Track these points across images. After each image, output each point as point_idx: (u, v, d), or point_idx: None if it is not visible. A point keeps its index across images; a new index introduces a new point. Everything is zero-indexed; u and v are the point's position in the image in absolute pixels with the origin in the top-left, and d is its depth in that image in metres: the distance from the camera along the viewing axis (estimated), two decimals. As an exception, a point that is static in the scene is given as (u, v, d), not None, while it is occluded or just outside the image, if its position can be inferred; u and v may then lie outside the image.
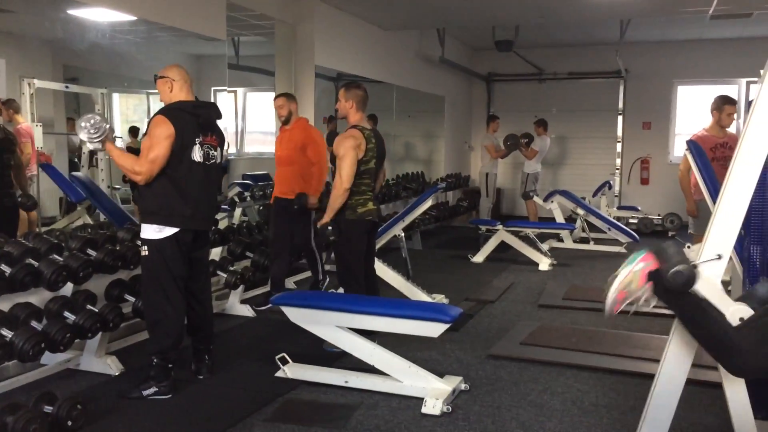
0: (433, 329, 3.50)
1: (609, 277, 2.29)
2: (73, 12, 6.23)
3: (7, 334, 3.24)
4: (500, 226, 7.55)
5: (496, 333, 4.74)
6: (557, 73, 11.64)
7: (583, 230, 8.82)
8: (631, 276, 2.24)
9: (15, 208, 4.87)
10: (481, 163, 10.24)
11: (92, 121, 3.30)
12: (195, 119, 3.48)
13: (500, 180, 10.79)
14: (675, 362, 2.48)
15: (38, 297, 3.62)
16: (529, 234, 7.62)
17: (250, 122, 9.96)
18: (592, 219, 8.56)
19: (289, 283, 5.96)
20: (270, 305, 5.14)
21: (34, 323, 3.39)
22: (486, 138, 10.06)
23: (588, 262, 7.65)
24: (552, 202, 9.10)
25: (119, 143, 9.87)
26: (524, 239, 7.53)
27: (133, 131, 7.41)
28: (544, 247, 7.71)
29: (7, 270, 3.29)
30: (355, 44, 7.99)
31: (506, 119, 10.94)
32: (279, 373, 3.76)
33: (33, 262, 3.43)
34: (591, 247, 8.50)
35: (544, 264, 7.24)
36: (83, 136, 3.30)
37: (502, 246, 7.57)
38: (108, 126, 3.34)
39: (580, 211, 8.77)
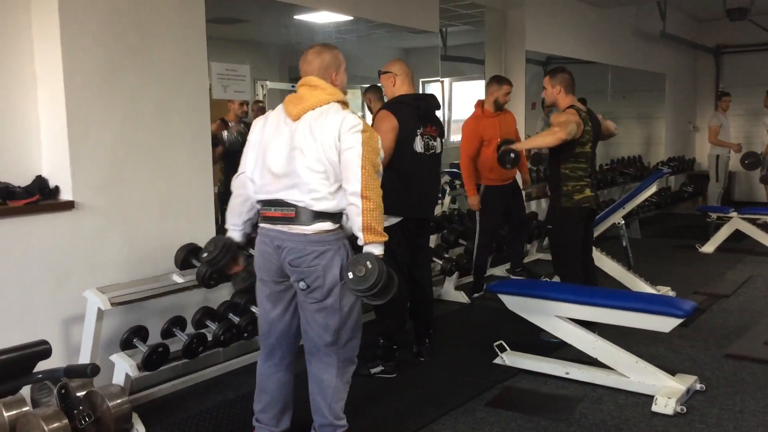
0: (664, 324, 3.28)
1: None
2: (299, 17, 6.75)
3: (256, 311, 3.62)
4: (734, 213, 6.84)
5: (734, 330, 4.32)
6: (802, 40, 10.20)
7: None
8: None
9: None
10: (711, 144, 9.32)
11: None
12: (416, 111, 3.61)
13: (733, 162, 9.75)
14: None
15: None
16: (770, 222, 6.81)
17: (456, 111, 10.08)
18: None
19: (501, 270, 5.95)
20: (481, 292, 5.21)
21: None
22: (712, 118, 9.14)
23: None
24: (797, 185, 8.05)
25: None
26: (764, 227, 6.74)
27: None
28: (789, 236, 6.85)
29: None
30: (566, 25, 7.69)
31: (738, 94, 9.84)
32: (497, 360, 3.78)
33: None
34: None
35: (789, 256, 6.44)
36: None
37: (736, 235, 6.87)
38: None
39: (834, 196, 7.64)
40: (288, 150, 2.53)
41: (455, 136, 10.37)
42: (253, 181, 2.63)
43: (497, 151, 4.50)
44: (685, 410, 3.11)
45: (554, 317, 3.60)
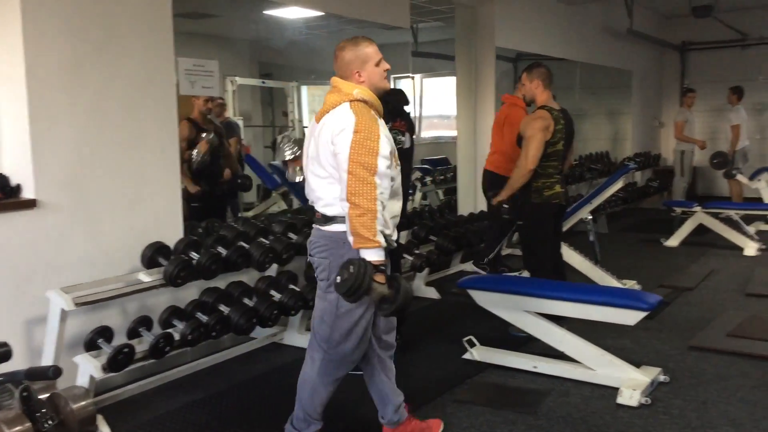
0: (629, 317, 3.33)
1: None
2: (269, 12, 6.70)
3: (225, 309, 3.60)
4: (698, 208, 6.97)
5: (697, 323, 4.41)
6: (764, 38, 10.42)
7: (798, 211, 7.89)
8: None
9: (225, 195, 5.39)
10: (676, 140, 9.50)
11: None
12: (384, 106, 3.60)
13: (697, 158, 9.94)
14: None
15: (248, 276, 3.99)
16: (732, 216, 6.94)
17: (427, 107, 10.10)
18: (810, 199, 7.62)
19: (471, 266, 5.99)
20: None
21: (246, 300, 3.74)
22: (678, 114, 9.31)
23: (805, 248, 6.84)
24: (759, 180, 8.24)
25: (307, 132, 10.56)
26: (726, 222, 6.89)
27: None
28: (751, 230, 7.00)
29: (224, 252, 3.65)
30: (536, 22, 7.76)
31: (703, 90, 10.04)
32: (466, 355, 3.80)
33: (244, 244, 3.78)
34: (808, 230, 7.59)
35: (751, 249, 6.59)
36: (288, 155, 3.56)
37: (700, 229, 7.00)
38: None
39: (794, 190, 7.84)
40: (308, 155, 2.59)
41: (426, 133, 10.41)
42: None
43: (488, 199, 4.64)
44: (649, 402, 3.17)
45: (523, 312, 3.64)
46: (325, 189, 2.51)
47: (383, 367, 2.82)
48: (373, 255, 2.37)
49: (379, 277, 2.37)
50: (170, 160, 3.76)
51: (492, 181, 5.25)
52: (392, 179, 2.53)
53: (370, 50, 2.57)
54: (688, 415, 3.07)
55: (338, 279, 2.35)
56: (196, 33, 8.05)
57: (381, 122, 2.55)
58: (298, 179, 5.97)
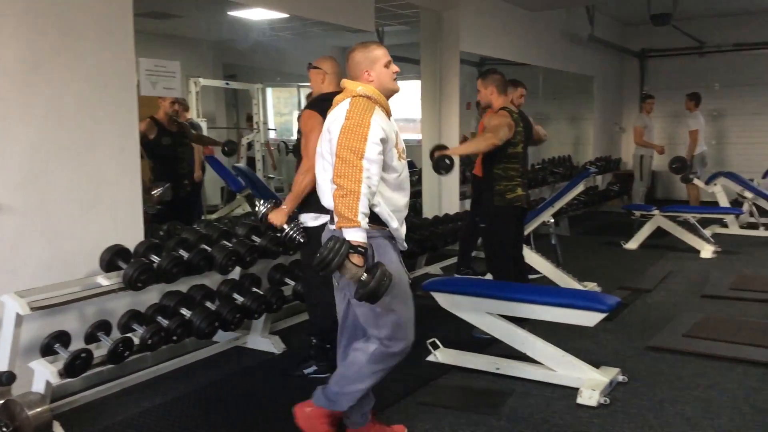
0: (589, 318, 3.39)
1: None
2: (233, 13, 6.65)
3: (186, 313, 3.56)
4: (656, 211, 7.13)
5: (655, 324, 4.50)
6: (721, 46, 10.70)
7: (752, 215, 8.12)
8: None
9: (188, 198, 5.34)
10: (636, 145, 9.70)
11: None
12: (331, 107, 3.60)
13: (656, 162, 10.16)
14: None
15: (210, 280, 3.95)
16: (689, 219, 7.12)
17: (392, 110, 10.13)
18: (762, 202, 7.86)
19: (436, 269, 6.02)
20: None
21: (208, 304, 3.70)
22: (637, 119, 9.51)
23: (758, 250, 7.04)
24: (715, 185, 8.46)
25: (272, 135, 10.48)
26: (683, 225, 7.06)
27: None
28: (707, 233, 7.19)
29: (185, 255, 3.60)
30: (500, 28, 7.85)
31: (662, 97, 10.28)
32: (430, 358, 3.82)
33: (206, 247, 3.74)
34: (761, 233, 7.82)
35: (707, 251, 6.75)
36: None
37: (658, 232, 7.15)
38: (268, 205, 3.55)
39: (748, 194, 8.08)
40: (317, 154, 2.73)
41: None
42: None
43: (431, 157, 4.47)
44: (608, 401, 3.23)
45: (486, 314, 3.67)
46: (329, 182, 2.57)
47: None
48: (353, 235, 2.41)
49: (356, 258, 2.40)
50: (130, 161, 3.70)
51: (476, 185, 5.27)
52: (398, 172, 2.62)
53: (379, 52, 2.68)
54: (645, 414, 3.13)
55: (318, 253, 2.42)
56: (158, 33, 7.97)
57: (383, 114, 2.61)
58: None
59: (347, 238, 2.40)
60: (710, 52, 10.84)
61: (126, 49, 3.64)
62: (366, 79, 2.65)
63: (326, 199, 2.64)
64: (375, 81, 2.65)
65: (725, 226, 8.07)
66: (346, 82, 2.71)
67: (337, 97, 2.69)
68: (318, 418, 2.77)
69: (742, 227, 8.09)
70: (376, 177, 2.47)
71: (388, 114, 2.67)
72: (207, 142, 6.19)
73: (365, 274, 2.41)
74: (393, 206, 2.61)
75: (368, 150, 2.44)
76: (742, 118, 10.85)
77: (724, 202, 8.47)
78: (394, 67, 2.70)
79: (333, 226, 2.56)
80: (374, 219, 2.53)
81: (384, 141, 2.52)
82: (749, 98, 10.73)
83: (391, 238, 2.67)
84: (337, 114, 2.58)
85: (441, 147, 4.47)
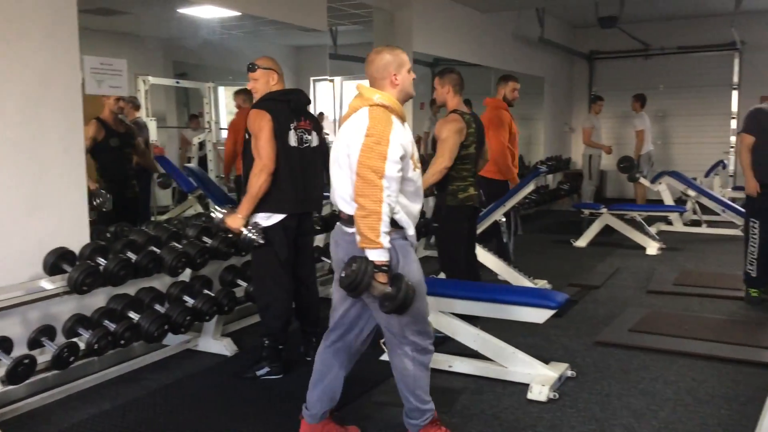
0: (539, 315, 3.45)
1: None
2: (183, 11, 6.53)
3: (134, 316, 3.49)
4: (604, 210, 7.30)
5: (603, 319, 4.62)
6: (665, 48, 11.05)
7: (695, 212, 8.41)
8: None
9: (136, 199, 5.22)
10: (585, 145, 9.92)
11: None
12: (286, 105, 3.58)
13: (605, 162, 10.42)
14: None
15: (160, 282, 3.88)
16: (636, 217, 7.33)
17: (346, 110, 10.12)
18: (705, 200, 8.13)
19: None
20: None
21: (157, 306, 3.64)
22: (586, 120, 9.73)
23: (700, 246, 7.28)
24: (660, 183, 8.72)
25: (224, 134, 10.33)
26: (630, 223, 7.26)
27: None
28: (652, 230, 7.40)
29: (133, 257, 3.53)
30: (452, 28, 7.93)
31: (609, 98, 10.53)
32: (383, 357, 3.82)
33: (155, 249, 3.67)
34: (703, 230, 8.10)
35: (652, 248, 6.96)
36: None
37: (606, 230, 7.34)
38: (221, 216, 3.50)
39: (692, 193, 8.34)
40: (331, 158, 2.67)
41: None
42: None
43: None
44: (557, 396, 3.30)
45: (438, 312, 3.70)
46: (346, 189, 2.57)
47: (349, 365, 2.91)
48: (376, 255, 2.45)
49: (381, 277, 2.45)
50: (74, 161, 3.61)
51: (482, 186, 5.27)
52: (414, 182, 2.63)
53: (405, 56, 2.67)
54: (592, 407, 3.21)
55: (342, 274, 2.46)
56: (105, 30, 7.75)
57: (400, 126, 2.60)
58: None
59: (371, 258, 2.45)
60: (655, 55, 11.18)
61: (70, 47, 3.55)
62: (392, 81, 2.63)
63: (347, 208, 2.60)
64: (400, 84, 2.65)
65: (670, 223, 8.33)
66: (361, 87, 2.66)
67: (352, 103, 2.65)
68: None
69: (685, 224, 8.37)
70: (395, 194, 2.50)
71: (403, 121, 2.67)
72: (149, 162, 5.71)
73: (390, 288, 2.46)
74: (409, 213, 2.65)
75: (388, 169, 2.45)
76: (685, 118, 11.21)
77: (668, 200, 8.74)
78: (413, 73, 2.72)
79: (351, 230, 2.56)
80: (394, 224, 2.56)
81: (403, 158, 2.54)
82: (692, 99, 11.10)
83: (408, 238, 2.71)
84: (356, 125, 2.54)
85: None
